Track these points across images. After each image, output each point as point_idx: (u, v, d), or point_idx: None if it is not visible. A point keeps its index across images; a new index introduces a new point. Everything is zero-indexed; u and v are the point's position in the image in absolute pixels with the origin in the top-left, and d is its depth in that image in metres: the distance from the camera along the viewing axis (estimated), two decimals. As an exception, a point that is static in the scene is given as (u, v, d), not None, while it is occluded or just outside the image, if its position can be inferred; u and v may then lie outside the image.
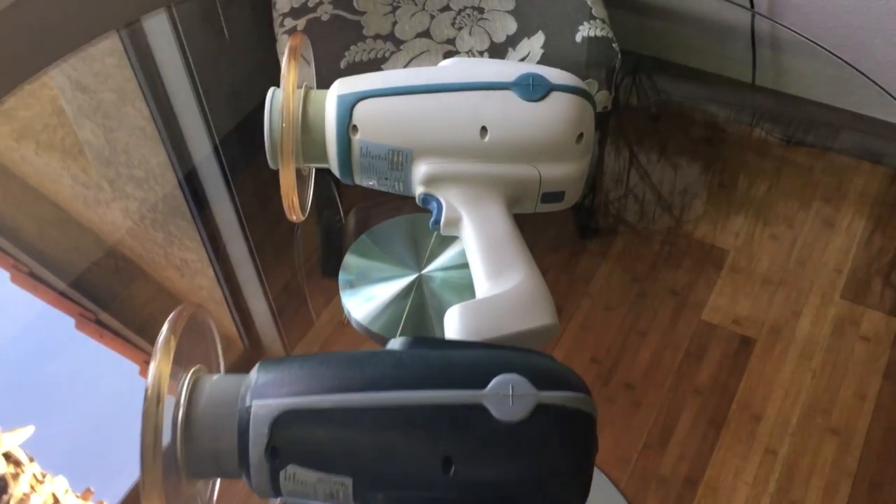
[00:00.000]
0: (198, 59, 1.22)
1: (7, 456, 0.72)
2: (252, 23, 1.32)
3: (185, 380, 0.43)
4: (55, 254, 1.08)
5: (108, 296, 1.07)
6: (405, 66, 1.02)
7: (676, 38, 1.45)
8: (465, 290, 0.56)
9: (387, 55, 1.03)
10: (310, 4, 1.09)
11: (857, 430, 1.10)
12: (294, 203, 0.55)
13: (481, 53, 1.03)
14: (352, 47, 1.03)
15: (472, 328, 0.48)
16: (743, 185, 1.39)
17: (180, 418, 0.41)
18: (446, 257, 0.59)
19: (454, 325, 0.49)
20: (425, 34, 1.05)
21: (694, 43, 1.42)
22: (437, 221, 0.53)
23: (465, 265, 0.53)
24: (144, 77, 1.21)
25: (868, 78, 0.99)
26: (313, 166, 0.59)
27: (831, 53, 1.01)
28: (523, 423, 0.39)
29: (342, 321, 0.58)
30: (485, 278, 0.51)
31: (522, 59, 1.02)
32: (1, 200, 1.12)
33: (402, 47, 1.03)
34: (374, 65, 1.02)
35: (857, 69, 0.98)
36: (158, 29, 1.19)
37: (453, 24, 1.06)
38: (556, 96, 0.52)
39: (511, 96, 0.52)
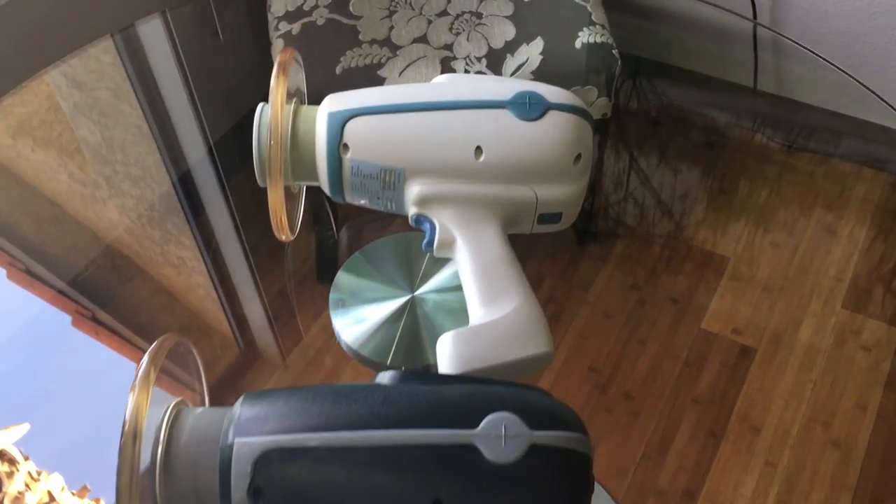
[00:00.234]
0: (192, 63, 1.21)
1: (1, 454, 0.71)
2: (247, 25, 1.31)
3: (165, 414, 0.41)
4: (52, 251, 1.08)
5: (105, 294, 1.06)
6: (401, 72, 1.00)
7: (677, 42, 1.44)
8: (460, 313, 0.55)
9: (383, 61, 1.01)
10: (305, 8, 1.07)
11: (858, 443, 1.09)
12: (282, 222, 0.53)
13: (479, 59, 1.01)
14: (347, 52, 1.02)
15: (465, 356, 0.47)
16: (744, 190, 1.37)
17: (159, 454, 0.40)
18: (440, 278, 0.57)
19: (446, 352, 0.47)
20: (422, 39, 1.03)
21: (695, 47, 1.41)
22: (430, 243, 0.51)
23: (460, 287, 0.51)
24: (139, 80, 1.20)
25: (868, 89, 0.97)
26: (303, 184, 0.57)
27: (832, 65, 0.99)
28: (516, 464, 0.37)
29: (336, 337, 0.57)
30: (479, 304, 0.49)
31: (521, 66, 1.01)
32: (-3, 197, 1.12)
33: (398, 53, 1.02)
34: (370, 70, 1.00)
35: (857, 80, 0.96)
36: (152, 33, 1.17)
37: (451, 30, 1.04)
38: (553, 115, 0.51)
39: (507, 115, 0.51)
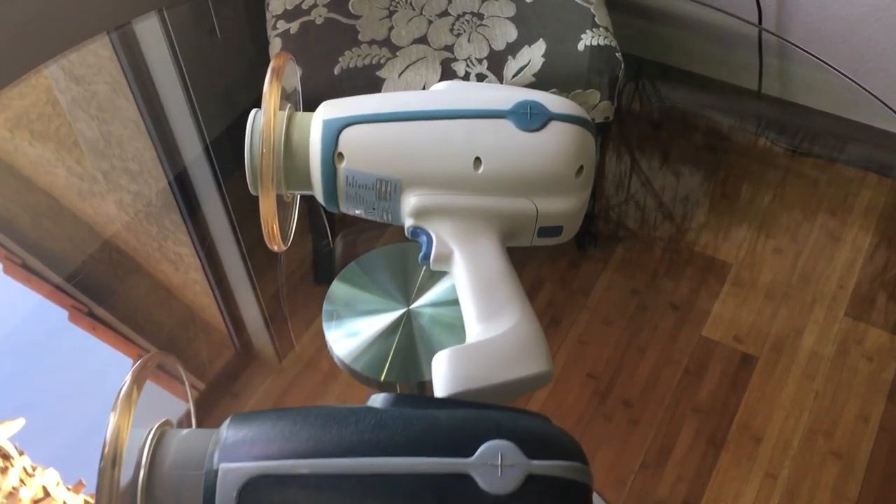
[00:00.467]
0: (190, 61, 1.20)
1: (-5, 449, 0.70)
2: (245, 24, 1.30)
3: (148, 436, 0.40)
4: (49, 245, 1.07)
5: (102, 289, 1.06)
6: (401, 73, 0.98)
7: (681, 44, 1.42)
8: (457, 328, 0.53)
9: (382, 61, 0.99)
10: (304, 7, 1.06)
11: (860, 454, 1.07)
12: (274, 232, 0.52)
13: (480, 61, 0.99)
14: (346, 52, 1.00)
15: (461, 375, 0.45)
16: (746, 195, 1.36)
17: (141, 479, 0.38)
18: (438, 291, 0.56)
19: (442, 371, 0.45)
20: (422, 40, 1.01)
21: (699, 49, 1.39)
22: (427, 256, 0.50)
23: (458, 301, 0.50)
24: (135, 78, 1.19)
25: (872, 95, 0.95)
26: (297, 193, 0.56)
27: (837, 70, 0.98)
28: (513, 495, 0.35)
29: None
30: (476, 321, 0.47)
31: (523, 68, 0.99)
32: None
33: (398, 53, 1.00)
34: (369, 71, 0.99)
35: (861, 86, 0.95)
36: (149, 31, 1.16)
37: (451, 31, 1.02)
38: (555, 126, 0.49)
39: (507, 125, 0.49)
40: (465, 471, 0.36)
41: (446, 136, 0.49)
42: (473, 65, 0.99)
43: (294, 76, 0.57)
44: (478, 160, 0.49)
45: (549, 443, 0.38)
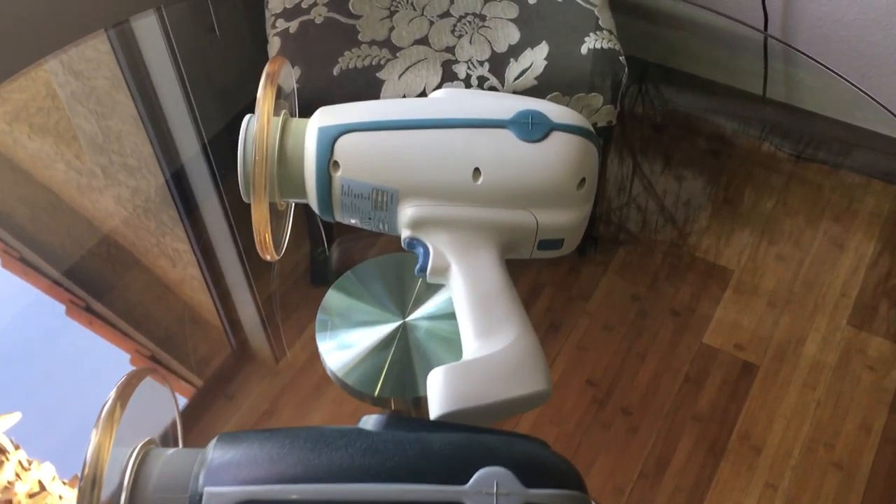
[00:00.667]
0: (188, 58, 1.19)
1: (-9, 444, 0.70)
2: (244, 21, 1.28)
3: (131, 456, 0.38)
4: (47, 239, 1.07)
5: (100, 284, 1.05)
6: (401, 75, 0.97)
7: (685, 47, 1.40)
8: (454, 343, 0.52)
9: (382, 62, 0.98)
10: (303, 6, 1.04)
11: (862, 465, 1.06)
12: (267, 241, 0.50)
13: (482, 63, 0.98)
14: (346, 53, 0.99)
15: (457, 394, 0.44)
16: (749, 200, 1.34)
17: (123, 502, 0.37)
18: (435, 304, 0.54)
19: (437, 389, 0.44)
20: (423, 41, 1.00)
21: (703, 52, 1.38)
22: (424, 269, 0.49)
23: (455, 314, 0.48)
24: (133, 76, 1.17)
25: (877, 102, 0.94)
26: (290, 201, 0.54)
27: (843, 78, 0.96)
28: (508, 525, 0.34)
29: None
30: (473, 337, 0.46)
31: (525, 71, 0.97)
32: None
33: (398, 55, 0.98)
34: (369, 72, 0.97)
35: (867, 94, 0.93)
36: (147, 29, 1.15)
37: (453, 32, 1.01)
38: (557, 137, 0.48)
39: (508, 135, 0.48)
40: (459, 499, 0.34)
41: (445, 145, 0.48)
42: (475, 67, 0.98)
43: (290, 78, 0.56)
44: (477, 171, 0.47)
45: (546, 470, 0.36)
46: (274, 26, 1.04)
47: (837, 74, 0.96)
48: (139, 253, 1.09)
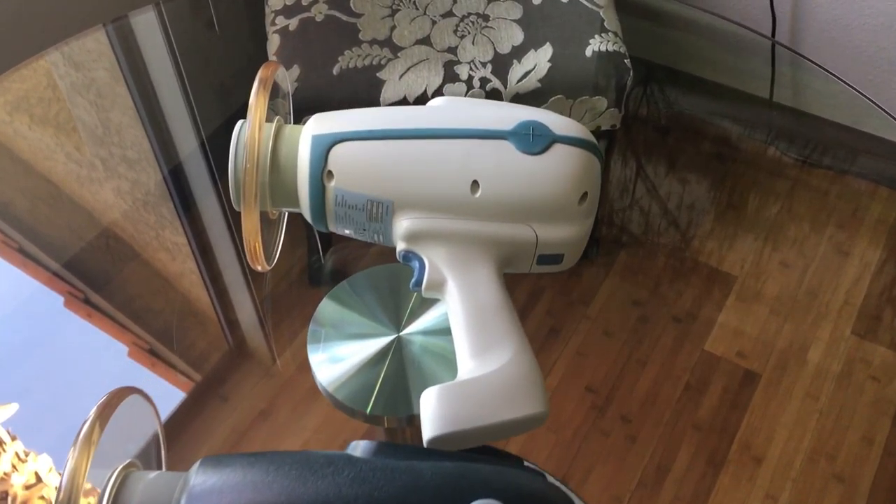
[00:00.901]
0: (187, 54, 1.17)
1: (-12, 435, 0.69)
2: (244, 18, 1.27)
3: (110, 479, 0.37)
4: (46, 231, 1.07)
5: (99, 276, 1.04)
6: (402, 75, 0.95)
7: (691, 49, 1.39)
8: (449, 360, 0.50)
9: (383, 62, 0.96)
10: (304, 3, 1.02)
11: (864, 478, 1.05)
12: (257, 251, 0.49)
13: (484, 65, 0.96)
14: (346, 52, 0.97)
15: (451, 415, 0.42)
16: (753, 205, 1.33)
17: (101, 528, 0.35)
18: (431, 317, 0.53)
19: (430, 410, 0.43)
20: (425, 41, 0.98)
21: (709, 55, 1.36)
22: (419, 283, 0.47)
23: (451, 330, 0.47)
24: (131, 72, 1.16)
25: (883, 109, 0.92)
26: (283, 210, 0.53)
27: (850, 86, 0.94)
28: (500, 562, 0.33)
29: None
30: (468, 355, 0.45)
31: (528, 73, 0.96)
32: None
33: (399, 54, 0.97)
34: (369, 72, 0.95)
35: (874, 102, 0.91)
36: (146, 24, 1.13)
37: (455, 32, 0.99)
38: (558, 149, 0.46)
39: (508, 147, 0.46)
40: (450, 533, 0.33)
41: (442, 156, 0.46)
42: (477, 68, 0.96)
43: (284, 80, 0.54)
44: (475, 183, 0.46)
45: (541, 502, 0.35)
46: (273, 23, 1.02)
47: (844, 82, 0.94)
48: (139, 246, 1.09)
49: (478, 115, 0.47)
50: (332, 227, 0.49)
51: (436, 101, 0.49)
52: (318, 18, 1.00)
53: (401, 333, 0.52)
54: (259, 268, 0.50)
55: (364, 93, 0.94)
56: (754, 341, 1.17)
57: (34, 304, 0.96)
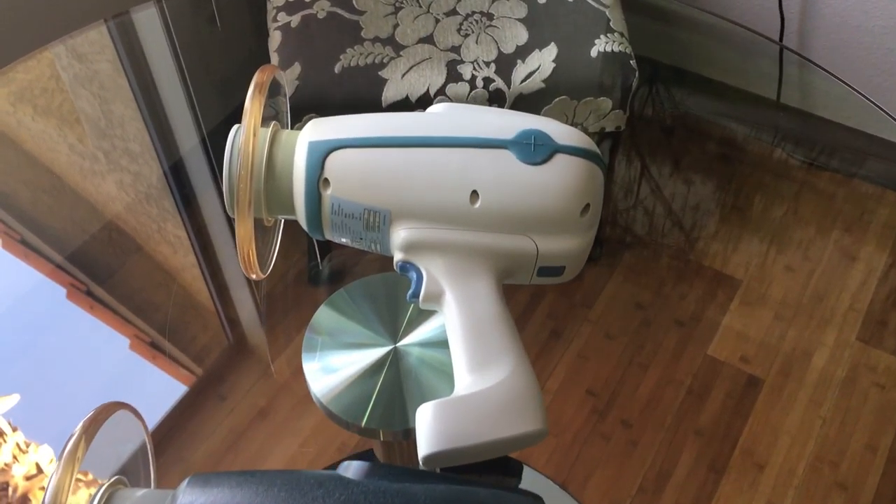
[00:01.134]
0: (188, 50, 1.16)
1: (-12, 426, 0.69)
2: (246, 13, 1.25)
3: (96, 496, 0.36)
4: (48, 222, 1.07)
5: (101, 268, 1.04)
6: (404, 74, 0.94)
7: (698, 49, 1.37)
8: (447, 373, 0.49)
9: (385, 61, 0.95)
10: (306, -1, 1.01)
11: (867, 486, 1.04)
12: (251, 259, 0.47)
13: (487, 64, 0.95)
14: (348, 50, 0.96)
15: (447, 432, 0.41)
16: (759, 207, 1.31)
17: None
18: (428, 329, 0.52)
19: (426, 426, 0.42)
20: (428, 40, 0.97)
21: (716, 55, 1.34)
22: (416, 295, 0.46)
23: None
24: (132, 68, 1.15)
25: (887, 113, 0.91)
26: (278, 218, 0.52)
27: (857, 92, 0.93)
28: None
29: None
30: (466, 370, 0.43)
31: (532, 73, 0.94)
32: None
33: (402, 53, 0.96)
34: (371, 71, 0.94)
35: (879, 106, 0.90)
36: (147, 20, 1.12)
37: (459, 31, 0.98)
38: (560, 160, 0.45)
39: (508, 157, 0.45)
40: (443, 561, 0.32)
41: (441, 165, 0.45)
42: (480, 68, 0.95)
43: (283, 78, 0.53)
44: (475, 194, 0.45)
45: (537, 530, 0.34)
46: (275, 20, 1.01)
47: (852, 88, 0.92)
48: (141, 239, 1.08)
49: (478, 123, 0.46)
50: (329, 236, 0.48)
51: (435, 108, 0.48)
52: (321, 15, 0.99)
53: (398, 344, 0.51)
54: (253, 276, 0.49)
55: (365, 92, 0.93)
56: (758, 346, 1.16)
57: (36, 295, 0.96)
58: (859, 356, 1.15)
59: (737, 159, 1.38)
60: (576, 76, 0.95)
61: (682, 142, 1.40)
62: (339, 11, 0.99)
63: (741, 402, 1.11)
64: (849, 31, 1.28)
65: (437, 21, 0.99)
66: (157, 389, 1.01)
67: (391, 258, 0.47)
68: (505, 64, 0.95)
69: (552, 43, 0.96)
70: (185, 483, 0.36)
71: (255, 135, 0.46)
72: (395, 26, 0.98)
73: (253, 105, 0.46)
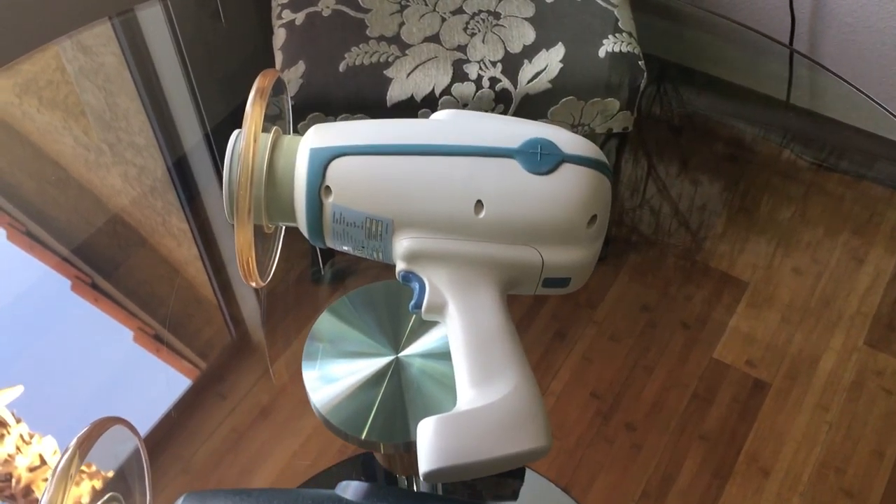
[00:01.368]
0: (192, 46, 1.16)
1: (-8, 417, 0.69)
2: (251, 9, 1.25)
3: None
4: (54, 214, 1.06)
5: (106, 261, 1.04)
6: (409, 74, 0.93)
7: (707, 48, 1.36)
8: (449, 385, 0.48)
9: (390, 60, 0.94)
10: (311, -4, 1.00)
11: (873, 493, 1.03)
12: (251, 267, 0.47)
13: (494, 64, 0.93)
14: (353, 48, 0.95)
15: (449, 448, 0.41)
16: (766, 209, 1.30)
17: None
18: (431, 339, 0.51)
19: (427, 442, 0.41)
20: (434, 39, 0.96)
21: (725, 54, 1.33)
22: (419, 305, 0.45)
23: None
24: (137, 65, 1.15)
25: (892, 115, 0.89)
26: (278, 225, 0.51)
27: (865, 94, 0.92)
28: None
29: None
30: (469, 384, 0.43)
31: (539, 73, 0.93)
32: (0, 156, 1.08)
33: (407, 52, 0.94)
34: (376, 70, 0.93)
35: (888, 110, 0.89)
36: (152, 17, 1.12)
37: (465, 30, 0.96)
38: (567, 169, 0.44)
39: (514, 166, 0.44)
40: (442, 588, 0.31)
41: (446, 174, 0.44)
42: (487, 68, 0.93)
43: (284, 83, 0.52)
44: (479, 203, 0.44)
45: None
46: (280, 17, 1.00)
47: (860, 91, 0.91)
48: (146, 232, 1.08)
49: (483, 131, 0.45)
50: (330, 244, 0.47)
51: (440, 115, 0.47)
52: (325, 13, 0.98)
53: (400, 354, 0.50)
54: (253, 284, 0.48)
55: (370, 91, 0.92)
56: (764, 350, 1.15)
57: (41, 287, 0.96)
58: (867, 361, 1.14)
59: (745, 160, 1.37)
60: (583, 77, 0.94)
61: (690, 141, 1.39)
62: (345, 9, 0.98)
63: (747, 406, 1.10)
64: (859, 32, 1.26)
65: (444, 20, 0.98)
66: (160, 382, 1.01)
67: (393, 266, 0.47)
68: (511, 64, 0.94)
69: (560, 43, 0.95)
70: (180, 501, 0.35)
71: (255, 141, 0.45)
72: (401, 25, 0.97)
73: (254, 110, 0.45)
